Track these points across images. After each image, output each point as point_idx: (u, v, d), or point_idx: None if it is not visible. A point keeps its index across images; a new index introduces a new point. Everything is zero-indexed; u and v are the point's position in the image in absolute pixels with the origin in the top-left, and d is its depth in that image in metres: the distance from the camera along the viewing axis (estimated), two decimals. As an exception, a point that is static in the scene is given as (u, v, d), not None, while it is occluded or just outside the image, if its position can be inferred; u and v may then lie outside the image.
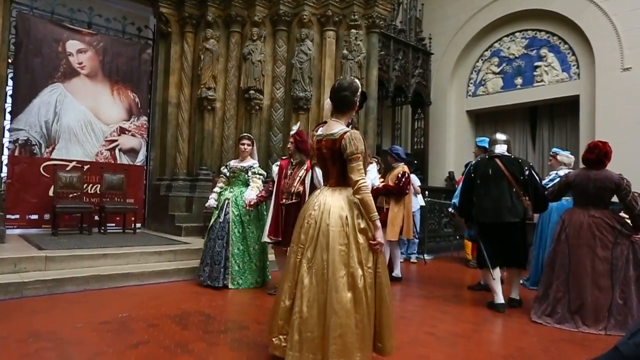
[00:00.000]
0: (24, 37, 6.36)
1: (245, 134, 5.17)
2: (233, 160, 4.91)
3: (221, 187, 4.78)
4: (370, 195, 2.36)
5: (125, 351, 2.65)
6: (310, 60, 7.06)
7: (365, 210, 2.34)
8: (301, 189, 4.17)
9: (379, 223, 2.35)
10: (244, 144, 4.73)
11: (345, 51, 7.11)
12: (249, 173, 4.64)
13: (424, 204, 7.12)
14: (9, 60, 5.99)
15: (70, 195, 6.43)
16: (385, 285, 2.37)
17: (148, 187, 7.41)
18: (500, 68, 9.88)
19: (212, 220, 4.64)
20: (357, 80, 2.62)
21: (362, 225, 2.34)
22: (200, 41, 7.18)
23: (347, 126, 2.49)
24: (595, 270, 3.53)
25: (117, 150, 7.27)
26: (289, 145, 4.42)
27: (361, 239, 2.31)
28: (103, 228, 6.47)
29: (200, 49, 7.12)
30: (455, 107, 10.44)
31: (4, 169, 6.18)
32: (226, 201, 4.63)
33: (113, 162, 7.18)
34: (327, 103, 2.66)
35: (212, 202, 4.71)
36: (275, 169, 4.51)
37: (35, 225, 6.34)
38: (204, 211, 5.51)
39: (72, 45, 6.83)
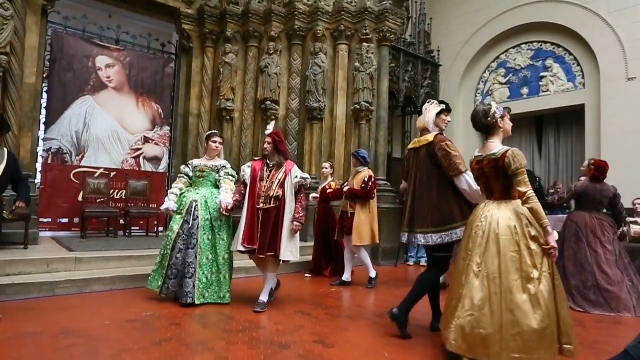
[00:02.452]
0: (58, 54, 6.55)
1: (216, 132, 4.53)
2: (197, 159, 4.24)
3: (181, 189, 4.03)
4: (539, 204, 2.49)
5: (150, 348, 2.68)
6: (324, 72, 7.12)
7: (536, 218, 2.46)
8: (280, 192, 3.71)
9: (550, 229, 2.46)
10: (215, 142, 4.06)
11: (357, 64, 7.15)
12: (221, 173, 4.01)
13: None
14: (44, 75, 6.15)
15: (98, 201, 6.56)
16: (562, 287, 2.50)
17: (170, 193, 7.52)
18: (507, 79, 9.81)
19: (175, 226, 3.83)
20: (485, 106, 2.78)
21: (533, 233, 2.43)
22: (220, 55, 7.31)
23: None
24: (608, 261, 4.34)
25: (141, 158, 7.40)
26: (265, 146, 3.90)
27: (533, 245, 2.41)
28: (128, 231, 6.58)
29: (220, 63, 7.24)
30: (463, 117, 10.34)
31: (38, 175, 6.32)
32: (193, 204, 3.84)
33: (138, 169, 7.31)
34: (431, 116, 3.18)
35: (171, 204, 3.89)
36: (247, 170, 3.90)
37: (65, 228, 6.49)
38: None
39: (101, 61, 7.01)
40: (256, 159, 4.04)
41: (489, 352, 2.28)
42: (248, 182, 3.83)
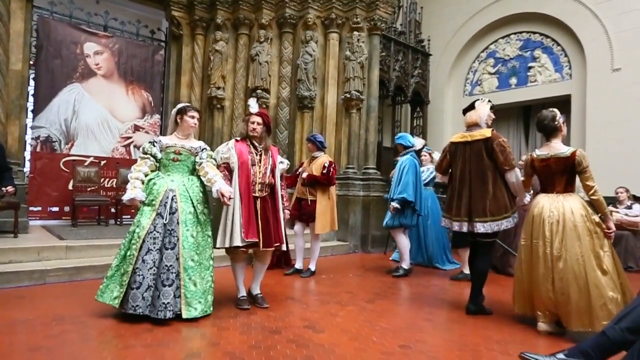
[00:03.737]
0: (45, 40, 6.43)
1: (194, 106, 3.82)
2: (165, 137, 3.26)
3: (146, 173, 3.09)
4: (602, 195, 3.02)
5: (142, 334, 2.70)
6: (315, 61, 7.09)
7: (600, 208, 3.03)
8: (273, 180, 3.43)
9: (610, 216, 3.02)
10: (193, 117, 3.25)
11: (348, 52, 7.13)
12: (203, 155, 3.22)
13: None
14: (31, 62, 6.04)
15: (88, 189, 6.52)
16: (619, 261, 3.00)
17: (161, 181, 7.47)
18: (496, 69, 9.83)
19: (145, 220, 2.98)
20: (550, 112, 3.20)
21: (597, 219, 2.96)
22: (210, 43, 7.24)
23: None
24: None
25: (131, 147, 7.35)
26: (255, 127, 3.37)
27: (598, 230, 2.92)
28: (119, 220, 6.56)
29: (210, 51, 7.17)
30: (452, 106, 10.41)
31: (27, 164, 6.26)
32: (169, 194, 3.03)
33: (128, 157, 7.26)
34: (486, 110, 3.53)
35: (139, 193, 2.97)
36: (231, 152, 3.32)
37: (56, 216, 6.44)
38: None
39: (89, 48, 6.90)
40: (237, 139, 3.48)
41: (583, 322, 2.79)
42: (235, 166, 3.28)
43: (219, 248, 3.26)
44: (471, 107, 3.63)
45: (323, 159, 4.73)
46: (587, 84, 8.12)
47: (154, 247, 2.94)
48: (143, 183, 3.05)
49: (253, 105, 3.51)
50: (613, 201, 6.38)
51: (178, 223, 3.03)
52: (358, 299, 3.84)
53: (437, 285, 4.53)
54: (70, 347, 2.48)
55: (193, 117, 3.26)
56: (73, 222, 6.12)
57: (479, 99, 3.72)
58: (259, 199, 3.32)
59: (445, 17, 10.26)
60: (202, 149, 3.28)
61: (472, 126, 3.52)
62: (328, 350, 2.57)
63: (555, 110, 3.22)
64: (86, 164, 6.69)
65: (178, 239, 3.01)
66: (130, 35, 7.45)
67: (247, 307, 3.35)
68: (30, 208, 5.90)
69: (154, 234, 2.96)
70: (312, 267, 4.82)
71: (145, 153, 3.13)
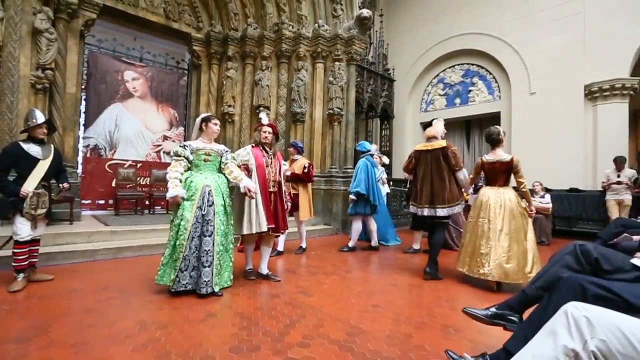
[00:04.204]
0: (93, 69, 6.30)
1: (216, 115, 3.49)
2: (194, 142, 3.07)
3: (182, 173, 2.92)
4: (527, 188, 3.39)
5: (170, 299, 2.69)
6: (305, 84, 7.05)
7: (527, 197, 3.39)
8: (279, 179, 3.42)
9: (532, 202, 3.41)
10: (216, 124, 3.12)
11: (331, 78, 7.09)
12: (228, 156, 3.13)
13: (389, 191, 7.16)
14: (82, 86, 5.90)
15: (128, 186, 6.41)
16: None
17: (186, 179, 7.38)
18: (444, 91, 9.88)
19: (188, 213, 2.82)
20: (496, 128, 3.48)
21: (524, 205, 3.33)
22: (223, 71, 7.15)
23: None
24: None
25: (161, 152, 7.23)
26: (266, 135, 3.33)
27: (524, 212, 3.29)
28: (152, 210, 6.46)
29: (223, 77, 7.10)
30: (411, 120, 10.46)
31: (80, 166, 6.12)
32: (206, 189, 2.90)
33: (159, 161, 7.14)
34: (441, 127, 3.72)
35: (181, 191, 2.80)
36: (249, 156, 3.28)
37: (102, 208, 6.32)
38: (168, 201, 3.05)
39: (128, 75, 6.77)
40: (253, 145, 3.40)
41: (516, 277, 3.10)
42: (253, 167, 3.23)
43: (243, 235, 3.16)
44: (430, 124, 3.81)
45: (302, 161, 4.67)
46: (512, 103, 8.22)
47: (196, 235, 2.82)
48: (181, 182, 2.88)
49: (264, 118, 3.43)
50: (530, 192, 6.49)
51: (214, 214, 2.90)
52: (340, 270, 3.85)
53: (400, 259, 4.55)
54: (115, 309, 2.45)
55: (216, 124, 3.12)
56: (116, 212, 6.01)
57: (435, 118, 3.89)
58: (272, 194, 3.30)
59: (405, 51, 10.29)
60: (226, 151, 3.15)
61: (431, 138, 3.72)
62: (316, 310, 2.58)
63: (499, 127, 3.49)
64: (125, 166, 6.57)
65: (214, 228, 2.88)
66: (160, 65, 7.31)
67: (254, 277, 3.33)
68: (82, 201, 5.77)
69: (196, 225, 2.83)
70: (304, 245, 4.76)
71: (178, 155, 2.94)
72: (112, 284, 3.04)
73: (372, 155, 5.20)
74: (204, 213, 2.86)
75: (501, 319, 1.70)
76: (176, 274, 2.76)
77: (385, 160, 6.05)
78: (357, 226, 4.98)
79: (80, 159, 6.14)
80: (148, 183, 6.74)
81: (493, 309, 1.75)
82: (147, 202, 6.51)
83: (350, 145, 7.35)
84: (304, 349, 1.96)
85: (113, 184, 6.35)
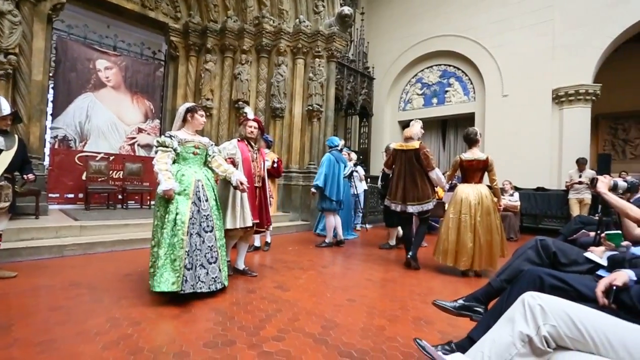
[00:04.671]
0: (62, 56, 6.00)
1: (200, 106, 3.32)
2: (179, 132, 2.83)
3: (170, 165, 2.68)
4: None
5: (143, 295, 2.63)
6: (285, 80, 7.01)
7: (497, 194, 3.67)
8: (264, 174, 3.38)
9: (502, 198, 3.83)
10: (202, 115, 2.91)
11: (311, 74, 7.09)
12: (214, 149, 2.98)
13: (366, 187, 7.27)
14: (50, 74, 5.61)
15: (99, 179, 6.18)
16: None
17: (161, 173, 7.17)
18: (422, 91, 10.08)
19: (184, 208, 2.59)
20: (474, 129, 3.68)
21: (495, 200, 3.59)
22: (201, 63, 7.00)
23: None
24: None
25: (136, 145, 7.01)
26: (252, 130, 3.27)
27: (494, 206, 3.55)
28: (125, 205, 6.26)
29: (201, 69, 6.94)
30: (390, 118, 10.63)
31: (47, 158, 5.84)
32: (199, 184, 2.72)
33: (133, 154, 6.92)
34: (418, 128, 3.88)
35: (174, 184, 2.58)
36: (236, 150, 3.21)
37: (71, 202, 6.06)
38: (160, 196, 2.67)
39: (101, 64, 6.50)
40: (238, 139, 3.32)
41: (492, 265, 3.46)
42: (240, 161, 3.17)
43: (230, 229, 3.05)
44: (407, 123, 3.96)
45: (272, 155, 4.55)
46: (486, 105, 8.51)
47: (194, 231, 2.60)
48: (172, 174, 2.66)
49: (249, 112, 3.37)
50: (500, 190, 6.76)
51: (210, 209, 2.74)
52: (317, 265, 3.88)
53: (375, 254, 4.63)
54: (84, 306, 2.38)
55: (202, 116, 2.92)
56: (86, 207, 5.79)
57: (414, 120, 4.03)
58: (257, 189, 3.26)
59: (385, 51, 10.41)
60: (211, 144, 2.97)
61: (408, 139, 3.88)
62: (293, 304, 2.60)
63: (477, 128, 3.71)
64: (97, 159, 6.32)
65: (213, 222, 2.74)
66: (135, 55, 7.06)
67: (231, 273, 3.28)
68: (50, 195, 5.52)
69: (193, 220, 2.61)
70: (268, 239, 4.61)
71: (166, 146, 2.69)
72: (82, 280, 2.93)
73: (340, 150, 5.23)
74: (199, 208, 2.67)
75: (468, 310, 1.78)
76: (182, 273, 2.47)
77: (353, 156, 6.12)
78: (330, 221, 5.02)
79: (47, 151, 5.86)
80: (121, 177, 6.52)
81: (461, 301, 1.83)
82: (120, 197, 6.30)
83: (330, 142, 7.38)
84: (279, 342, 1.98)
85: (83, 177, 6.10)
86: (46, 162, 5.71)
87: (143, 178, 6.66)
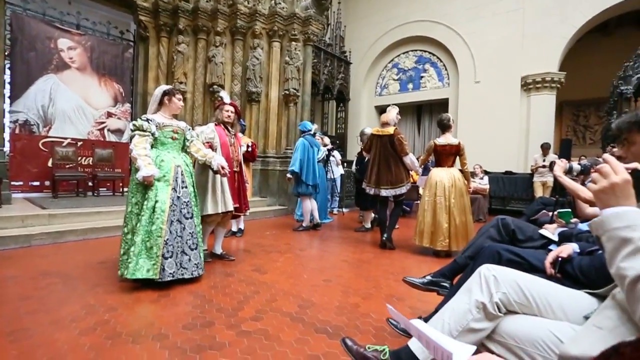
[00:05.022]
0: (19, 34, 5.58)
1: (177, 89, 3.14)
2: (156, 115, 2.71)
3: (149, 150, 2.58)
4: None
5: (119, 283, 2.61)
6: (261, 64, 6.89)
7: (467, 177, 3.85)
8: (240, 159, 3.40)
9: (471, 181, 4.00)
10: (180, 99, 2.81)
11: (287, 58, 6.99)
12: (192, 134, 2.91)
13: (343, 172, 7.35)
14: (6, 53, 5.23)
15: (67, 166, 5.91)
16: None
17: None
18: (398, 76, 10.17)
19: (163, 195, 2.53)
20: (447, 115, 3.84)
21: (465, 182, 3.77)
22: (174, 45, 6.72)
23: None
24: None
25: (105, 130, 6.72)
26: (229, 114, 3.26)
27: (465, 189, 3.76)
28: (96, 192, 6.05)
29: (174, 51, 6.68)
30: (366, 103, 10.69)
31: (7, 144, 5.51)
32: (178, 170, 2.65)
33: (103, 139, 6.64)
34: (394, 115, 3.97)
35: (155, 170, 2.50)
36: (215, 133, 3.19)
37: (37, 190, 5.78)
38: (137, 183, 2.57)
39: (63, 43, 6.11)
40: (215, 123, 3.30)
41: (460, 244, 3.57)
42: (218, 146, 3.15)
43: (210, 214, 3.01)
44: (384, 108, 4.07)
45: (245, 139, 4.50)
46: (459, 91, 8.71)
47: (175, 218, 2.56)
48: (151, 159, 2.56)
49: (225, 96, 3.36)
50: (471, 174, 7.04)
51: (190, 196, 2.69)
52: (294, 249, 3.95)
53: (351, 237, 4.75)
54: (57, 295, 2.34)
55: (180, 99, 2.81)
56: (54, 195, 5.55)
57: (390, 105, 4.11)
58: (236, 173, 3.27)
59: (362, 35, 10.37)
60: (189, 129, 2.89)
61: (384, 124, 3.99)
62: (270, 286, 2.67)
63: (449, 114, 3.89)
64: (64, 144, 6.03)
65: (192, 209, 2.69)
66: (101, 35, 6.67)
67: (210, 259, 3.28)
68: (12, 183, 5.25)
69: (173, 207, 2.57)
70: (242, 226, 4.58)
71: (144, 130, 2.57)
72: (53, 269, 2.87)
73: (313, 135, 5.26)
74: (179, 195, 2.62)
75: (435, 285, 1.90)
76: (159, 262, 2.44)
77: (327, 140, 6.16)
78: (307, 205, 5.08)
79: (7, 136, 5.53)
80: (91, 163, 6.27)
81: (428, 277, 1.95)
82: (90, 184, 6.08)
83: (307, 127, 7.37)
84: (257, 322, 2.05)
85: (49, 164, 5.81)
86: (6, 147, 5.41)
87: (114, 164, 6.44)
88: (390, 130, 3.88)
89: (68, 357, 1.62)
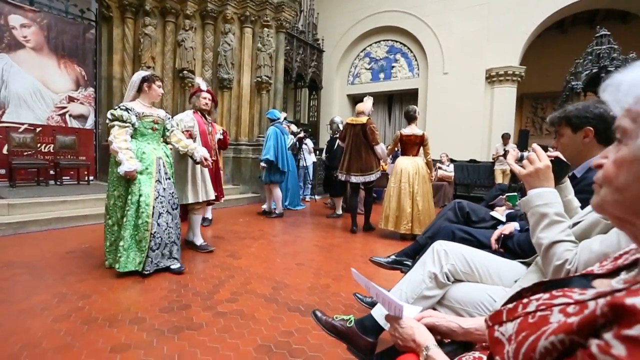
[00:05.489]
0: (-37, 9, 5.14)
1: (155, 74, 3.05)
2: (134, 104, 2.60)
3: (129, 141, 2.49)
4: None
5: (91, 270, 2.60)
6: (232, 49, 6.77)
7: (430, 166, 4.11)
8: (216, 147, 3.45)
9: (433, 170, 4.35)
10: (160, 87, 2.69)
11: (259, 45, 6.91)
12: (172, 124, 2.83)
13: (315, 160, 7.46)
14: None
15: (25, 153, 5.61)
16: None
17: (98, 147, 6.66)
18: (370, 66, 10.30)
19: (147, 188, 2.50)
20: (413, 107, 4.08)
21: (427, 170, 4.02)
22: (140, 27, 6.42)
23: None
24: None
25: (67, 116, 6.38)
26: (207, 102, 3.25)
27: (429, 178, 4.03)
28: (59, 181, 5.79)
29: (140, 34, 6.38)
30: (339, 92, 10.77)
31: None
32: (159, 161, 2.61)
33: (64, 125, 6.31)
34: (369, 105, 4.20)
35: (137, 164, 2.45)
36: (193, 123, 3.16)
37: (-9, 178, 5.45)
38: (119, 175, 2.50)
39: (15, 20, 5.69)
40: (193, 111, 3.27)
41: (424, 227, 3.62)
42: (197, 134, 3.13)
43: (192, 203, 3.05)
44: (356, 97, 4.17)
45: (217, 127, 4.47)
46: (428, 81, 8.99)
47: (164, 210, 2.56)
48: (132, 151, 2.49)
49: (202, 83, 3.34)
50: (438, 162, 7.39)
51: (172, 187, 2.67)
52: (267, 235, 4.04)
53: (323, 223, 4.90)
54: (24, 285, 2.30)
55: (160, 87, 2.69)
56: (11, 184, 5.26)
57: (366, 96, 4.27)
58: (213, 162, 3.21)
59: (335, 23, 10.37)
60: (168, 117, 2.80)
61: (359, 113, 4.19)
62: (244, 270, 2.75)
63: (415, 106, 4.15)
64: (20, 130, 5.68)
65: (175, 201, 2.68)
66: (59, 12, 6.26)
67: (211, 249, 3.23)
68: (-36, 170, 4.92)
69: (160, 199, 2.55)
70: (210, 216, 4.53)
71: (124, 121, 2.47)
72: (17, 260, 2.79)
73: (281, 123, 5.31)
74: (164, 187, 2.59)
75: (399, 264, 2.07)
76: (146, 254, 2.47)
77: (294, 128, 6.24)
78: (278, 193, 5.15)
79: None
80: (52, 150, 5.96)
81: (393, 257, 2.11)
82: (52, 172, 5.80)
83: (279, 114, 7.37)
84: (232, 303, 2.14)
85: (5, 151, 5.48)
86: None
87: (78, 152, 6.17)
88: (363, 119, 4.08)
89: (43, 342, 1.64)
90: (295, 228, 4.51)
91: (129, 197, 2.49)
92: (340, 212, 5.40)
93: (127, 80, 6.47)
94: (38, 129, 5.89)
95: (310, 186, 7.29)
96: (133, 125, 2.53)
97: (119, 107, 2.53)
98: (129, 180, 2.50)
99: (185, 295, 2.22)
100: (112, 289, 2.28)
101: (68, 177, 6.02)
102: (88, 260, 2.84)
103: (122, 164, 2.40)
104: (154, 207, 2.52)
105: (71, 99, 6.40)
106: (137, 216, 2.48)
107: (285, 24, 7.20)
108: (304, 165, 6.83)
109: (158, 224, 2.53)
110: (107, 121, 2.53)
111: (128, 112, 2.50)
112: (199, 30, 6.77)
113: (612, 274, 0.51)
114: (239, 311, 2.03)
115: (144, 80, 2.64)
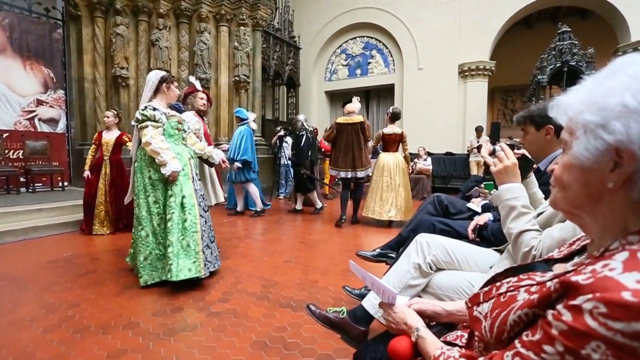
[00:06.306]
0: None
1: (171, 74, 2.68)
2: (156, 104, 2.48)
3: (164, 142, 2.41)
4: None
5: (77, 279, 2.57)
6: (209, 49, 6.69)
7: (407, 160, 4.50)
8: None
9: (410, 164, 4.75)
10: (177, 86, 2.62)
11: (236, 43, 6.86)
12: (189, 126, 2.75)
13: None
14: None
15: (-8, 160, 5.35)
16: None
17: (72, 151, 6.43)
18: (347, 62, 10.39)
19: (189, 190, 2.42)
20: (396, 108, 4.44)
21: (406, 165, 4.40)
22: (111, 26, 6.22)
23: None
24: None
25: (36, 120, 6.12)
26: (205, 102, 3.19)
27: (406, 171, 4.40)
28: (31, 188, 5.57)
29: (112, 33, 6.19)
30: (316, 88, 10.82)
31: None
32: (190, 162, 2.54)
33: (34, 130, 6.06)
34: (358, 105, 4.49)
35: (178, 164, 2.37)
36: (200, 124, 3.12)
37: (-43, 188, 5.18)
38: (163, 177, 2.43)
39: (-25, 20, 5.39)
40: (193, 112, 3.20)
41: (405, 215, 4.23)
42: (203, 136, 3.08)
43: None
44: (349, 101, 4.55)
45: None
46: (404, 77, 9.19)
47: (204, 212, 2.52)
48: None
49: (197, 84, 3.31)
50: (415, 155, 7.60)
51: (201, 188, 2.61)
52: (253, 234, 4.08)
53: (307, 219, 4.98)
54: (8, 297, 2.26)
55: (177, 87, 2.60)
56: (-21, 192, 5.03)
57: (355, 97, 4.67)
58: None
59: (311, 20, 10.38)
60: (183, 120, 2.69)
61: (351, 113, 4.44)
62: (233, 270, 2.79)
63: (399, 108, 4.65)
64: (-14, 136, 5.43)
65: (207, 202, 2.59)
66: (21, 11, 5.97)
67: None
68: None
69: (199, 199, 2.49)
70: None
71: (157, 121, 2.38)
72: (-3, 271, 2.71)
73: (248, 124, 5.26)
74: (196, 188, 2.51)
75: (384, 257, 2.18)
76: (201, 257, 2.35)
77: (253, 126, 6.20)
78: (254, 189, 5.17)
79: None
80: (22, 157, 5.72)
81: (378, 250, 2.22)
82: (22, 180, 5.57)
83: (258, 113, 7.37)
84: (225, 303, 2.18)
85: (-30, 159, 5.22)
86: None
87: (51, 157, 5.94)
88: (360, 117, 4.41)
89: (36, 354, 1.64)
90: (279, 226, 4.56)
91: (171, 199, 2.37)
92: (300, 207, 5.48)
93: (99, 81, 6.29)
94: (5, 135, 5.63)
95: (291, 184, 7.32)
96: (163, 125, 2.44)
97: (147, 107, 2.41)
98: (166, 182, 2.39)
99: (176, 299, 2.25)
100: (101, 296, 2.27)
101: (40, 184, 5.80)
102: (72, 268, 2.80)
103: (167, 165, 2.30)
104: (196, 207, 2.42)
105: (40, 102, 6.14)
106: (182, 218, 2.35)
107: (261, 22, 7.17)
108: (285, 163, 6.86)
109: (201, 225, 2.43)
110: (134, 122, 2.42)
111: (157, 111, 2.41)
112: (173, 29, 6.64)
113: (568, 258, 0.62)
114: (232, 310, 2.09)
115: (162, 80, 2.53)
